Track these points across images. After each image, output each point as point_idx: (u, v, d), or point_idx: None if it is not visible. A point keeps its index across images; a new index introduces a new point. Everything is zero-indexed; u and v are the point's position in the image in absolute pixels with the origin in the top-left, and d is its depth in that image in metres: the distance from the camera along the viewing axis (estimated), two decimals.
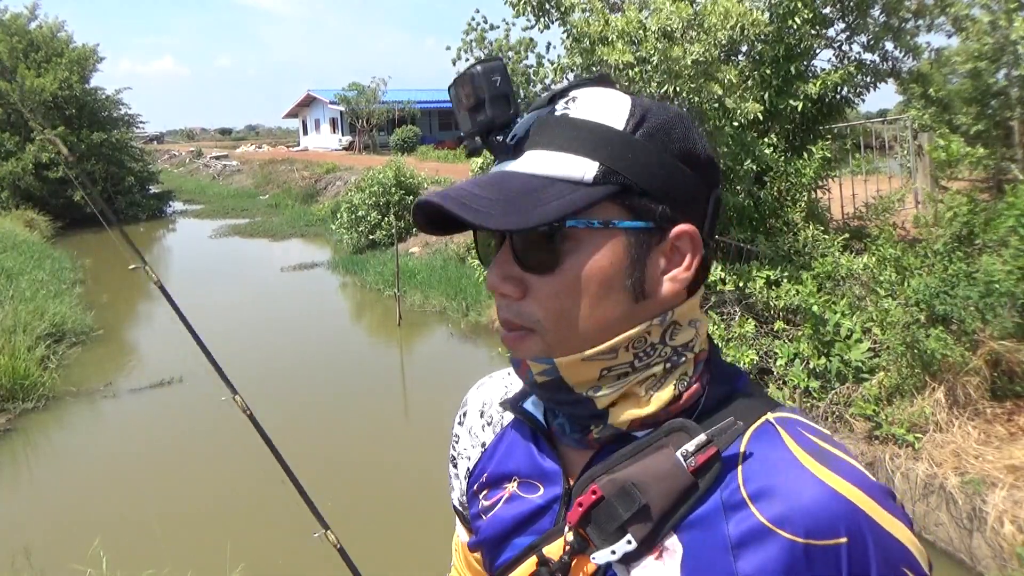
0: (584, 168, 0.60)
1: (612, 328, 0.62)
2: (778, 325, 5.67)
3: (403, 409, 7.46)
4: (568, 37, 6.45)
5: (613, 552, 0.61)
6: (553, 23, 7.00)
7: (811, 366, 5.18)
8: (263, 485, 5.46)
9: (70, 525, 4.96)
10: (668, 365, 0.64)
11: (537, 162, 0.62)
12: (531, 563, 0.67)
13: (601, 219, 0.61)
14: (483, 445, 0.79)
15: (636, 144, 0.61)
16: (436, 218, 0.64)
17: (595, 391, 0.63)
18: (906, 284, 4.98)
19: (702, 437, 0.60)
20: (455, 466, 0.84)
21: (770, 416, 0.62)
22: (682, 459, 0.60)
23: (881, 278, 5.35)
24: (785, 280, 5.86)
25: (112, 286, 13.20)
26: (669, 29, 5.59)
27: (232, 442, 6.38)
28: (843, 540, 0.55)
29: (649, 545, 0.60)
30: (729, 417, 0.61)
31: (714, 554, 0.59)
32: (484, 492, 0.76)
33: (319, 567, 4.42)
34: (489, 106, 0.62)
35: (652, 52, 5.55)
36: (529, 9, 7.03)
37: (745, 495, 0.58)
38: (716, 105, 5.85)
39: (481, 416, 0.81)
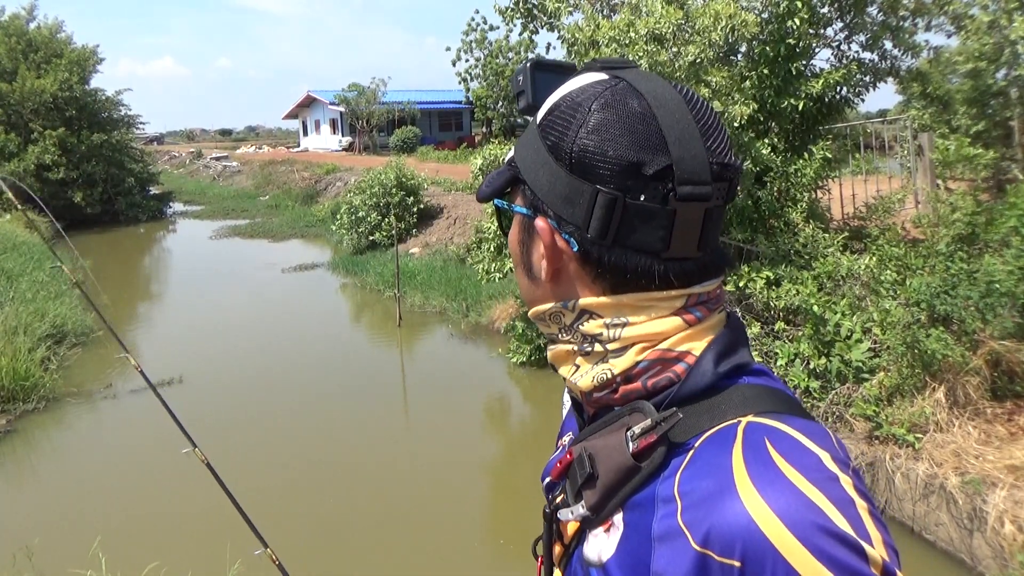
0: (510, 153, 0.71)
1: (530, 297, 0.72)
2: (778, 325, 5.68)
3: (403, 409, 7.46)
4: (562, 42, 6.49)
5: (571, 512, 0.66)
6: (541, 28, 7.06)
7: (811, 366, 5.18)
8: (262, 484, 5.47)
9: (70, 526, 4.96)
10: (577, 348, 0.68)
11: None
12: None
13: (508, 202, 0.72)
14: (567, 406, 0.89)
15: (534, 135, 0.67)
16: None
17: (551, 343, 0.72)
18: (907, 284, 4.98)
19: (648, 422, 0.60)
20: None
21: (748, 419, 0.59)
22: (628, 439, 0.61)
23: (882, 278, 5.35)
24: (785, 280, 5.86)
25: (112, 287, 13.20)
26: (658, 33, 5.61)
27: (232, 443, 6.38)
28: (735, 563, 0.52)
29: (598, 513, 0.63)
30: (674, 408, 0.61)
31: (641, 541, 0.59)
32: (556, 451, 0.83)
33: (319, 566, 4.42)
34: (517, 98, 0.73)
35: (641, 56, 5.57)
36: (517, 16, 7.08)
37: (676, 491, 0.57)
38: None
39: None
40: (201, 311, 11.31)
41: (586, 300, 0.66)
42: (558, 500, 0.69)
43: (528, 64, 0.72)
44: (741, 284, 5.97)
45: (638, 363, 0.64)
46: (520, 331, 7.72)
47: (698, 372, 0.63)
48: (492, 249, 7.97)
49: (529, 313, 0.74)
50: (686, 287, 0.64)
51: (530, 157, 0.67)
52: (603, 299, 0.65)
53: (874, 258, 5.65)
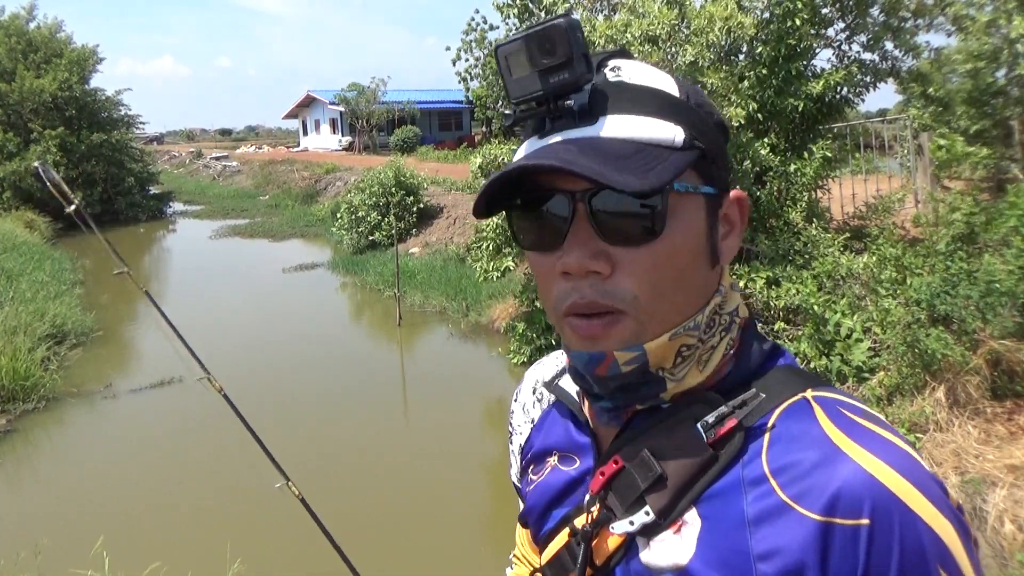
0: (673, 132, 0.58)
1: (693, 299, 0.61)
2: (778, 325, 5.68)
3: (403, 409, 7.46)
4: None
5: (631, 523, 0.61)
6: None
7: (812, 366, 5.18)
8: (262, 484, 5.47)
9: (72, 525, 4.96)
10: (723, 332, 0.63)
11: (624, 126, 0.58)
12: (565, 534, 0.68)
13: (691, 183, 0.60)
14: (533, 421, 0.81)
15: (696, 112, 0.61)
16: (501, 193, 0.61)
17: (671, 373, 0.62)
18: (907, 284, 4.98)
19: (723, 409, 0.59)
20: (511, 442, 0.85)
21: (809, 393, 0.59)
22: (702, 430, 0.59)
23: (882, 277, 5.35)
24: (785, 280, 5.86)
25: (112, 287, 13.20)
26: (651, 34, 5.63)
27: (232, 442, 6.39)
28: (864, 521, 0.51)
29: (667, 516, 0.60)
30: (754, 390, 0.60)
31: (730, 530, 0.57)
32: (532, 467, 0.78)
33: (318, 566, 4.42)
34: (577, 63, 0.57)
35: (636, 57, 5.60)
36: (514, 12, 7.10)
37: (767, 470, 0.56)
38: None
39: (533, 392, 0.84)
40: (201, 310, 11.30)
41: (725, 273, 0.66)
42: (594, 515, 0.63)
43: (571, 21, 0.58)
44: (741, 284, 5.98)
45: (740, 331, 0.65)
46: (520, 331, 7.71)
47: (748, 355, 0.64)
48: (491, 248, 7.96)
49: (663, 339, 0.60)
50: None
51: (704, 134, 0.61)
52: (726, 272, 0.67)
53: (874, 257, 5.65)
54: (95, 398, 7.37)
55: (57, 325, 8.94)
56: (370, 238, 14.04)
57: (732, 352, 0.64)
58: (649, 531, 0.61)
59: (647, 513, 0.60)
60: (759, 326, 0.74)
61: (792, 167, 6.63)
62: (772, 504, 0.55)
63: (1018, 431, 4.27)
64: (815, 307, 5.28)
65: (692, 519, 0.59)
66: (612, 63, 0.62)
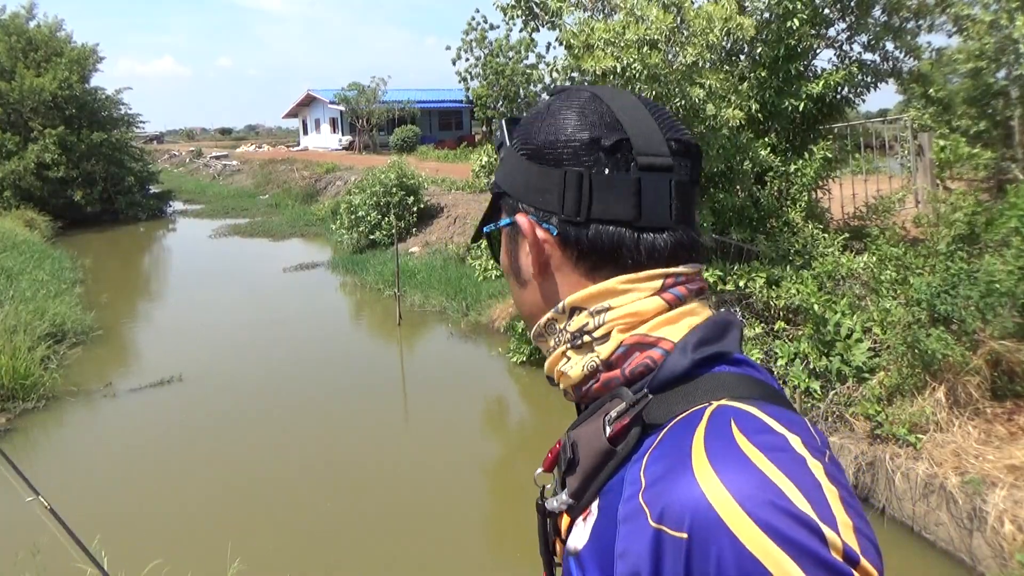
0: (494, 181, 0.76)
1: (526, 308, 0.75)
2: (778, 325, 5.68)
3: (403, 408, 7.46)
4: (560, 44, 6.52)
5: (556, 501, 0.68)
6: (543, 27, 7.07)
7: (812, 366, 5.18)
8: (262, 483, 5.47)
9: (70, 524, 4.95)
10: (567, 347, 0.69)
11: None
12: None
13: (494, 221, 0.76)
14: None
15: (509, 153, 0.73)
16: None
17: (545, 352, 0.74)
18: (907, 284, 4.98)
19: (622, 405, 0.62)
20: None
21: (720, 403, 0.58)
22: (605, 423, 0.63)
23: (882, 278, 5.35)
24: (785, 280, 5.86)
25: (112, 286, 13.20)
26: (648, 38, 5.63)
27: (231, 441, 6.39)
28: (683, 535, 0.51)
29: (580, 500, 0.65)
30: (645, 391, 0.62)
31: (609, 525, 0.59)
32: None
33: (318, 565, 4.42)
34: (500, 151, 0.77)
35: (634, 59, 5.58)
36: (518, 14, 7.10)
37: (642, 472, 0.57)
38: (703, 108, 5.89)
39: None
40: (201, 310, 11.30)
41: (574, 296, 0.68)
42: (542, 491, 0.72)
43: (504, 121, 0.78)
44: (741, 284, 5.97)
45: (619, 347, 0.66)
46: (520, 331, 7.72)
47: (674, 358, 0.63)
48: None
49: (531, 334, 0.76)
50: (663, 266, 0.67)
51: (507, 171, 0.73)
52: (587, 290, 0.68)
53: (874, 257, 5.65)
54: (95, 397, 7.37)
55: (57, 324, 8.94)
56: (370, 237, 14.03)
57: (616, 363, 0.66)
58: (573, 513, 0.66)
59: (565, 494, 0.66)
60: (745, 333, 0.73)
61: (792, 167, 6.63)
62: (634, 505, 0.56)
63: (1018, 431, 4.27)
64: (815, 307, 5.28)
65: (594, 509, 0.63)
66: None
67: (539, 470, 0.74)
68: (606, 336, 0.66)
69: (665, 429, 0.59)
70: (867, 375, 4.95)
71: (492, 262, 8.00)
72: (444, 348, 9.13)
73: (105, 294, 12.14)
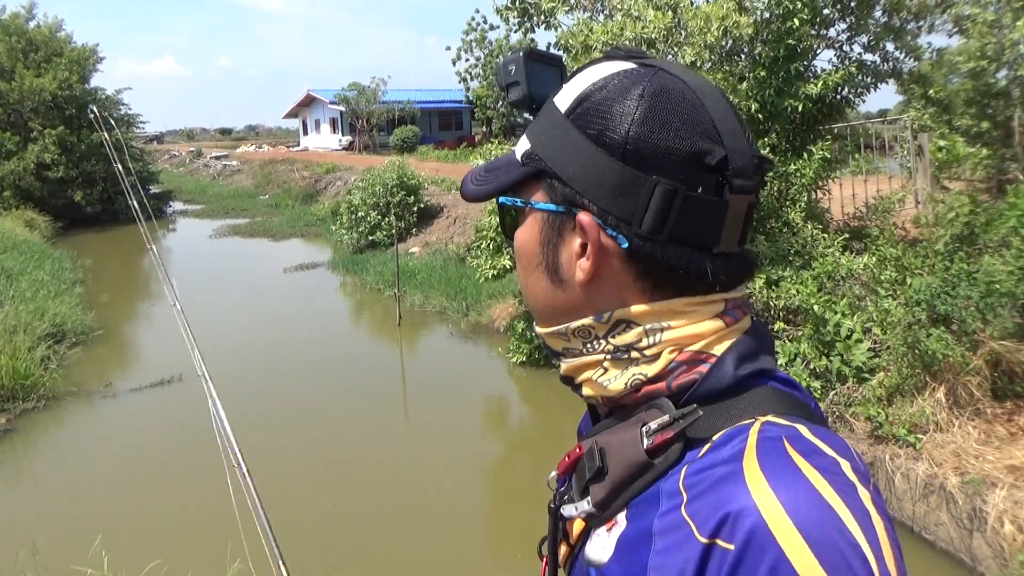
0: (521, 148, 0.67)
1: (545, 303, 0.68)
2: (778, 325, 5.67)
3: (403, 409, 7.46)
4: (557, 46, 6.53)
5: (576, 508, 0.64)
6: (538, 27, 7.09)
7: (812, 366, 5.18)
8: (262, 484, 5.46)
9: (71, 524, 4.96)
10: (610, 359, 0.64)
11: (520, 140, 0.69)
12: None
13: (524, 198, 0.66)
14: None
15: (562, 125, 0.63)
16: None
17: (559, 360, 0.69)
18: (907, 284, 4.98)
19: (665, 418, 0.59)
20: None
21: (767, 419, 0.57)
22: (643, 434, 0.60)
23: (881, 278, 5.35)
24: (785, 280, 5.86)
25: (112, 286, 13.19)
26: (645, 37, 5.63)
27: (231, 441, 6.38)
28: (730, 547, 0.49)
29: (604, 509, 0.62)
30: (695, 405, 0.59)
31: (640, 539, 0.57)
32: None
33: (319, 566, 4.42)
34: (508, 90, 0.71)
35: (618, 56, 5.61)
36: (513, 15, 7.11)
37: (681, 484, 0.55)
38: None
39: None
40: (200, 310, 11.30)
41: (627, 310, 0.63)
42: (564, 496, 0.67)
43: (522, 53, 0.70)
44: None
45: (669, 364, 0.62)
46: (520, 331, 7.72)
47: (719, 371, 0.61)
48: (490, 247, 7.97)
49: (542, 330, 0.69)
50: (726, 290, 0.63)
51: (561, 149, 0.62)
52: (645, 307, 0.62)
53: (874, 258, 5.64)
54: (95, 397, 7.37)
55: (57, 324, 8.94)
56: (370, 238, 14.04)
57: (662, 379, 0.62)
58: (593, 522, 0.63)
59: (588, 503, 0.63)
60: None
61: (792, 168, 6.63)
62: (674, 518, 0.54)
63: (1018, 432, 4.27)
64: (815, 307, 5.28)
65: (621, 520, 0.60)
66: (578, 73, 0.67)
67: (553, 473, 0.70)
68: (657, 356, 0.62)
69: (709, 443, 0.57)
70: (867, 375, 4.95)
71: (492, 262, 7.98)
72: (444, 348, 9.13)
73: (105, 294, 12.13)
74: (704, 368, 0.61)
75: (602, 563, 0.60)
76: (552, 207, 0.64)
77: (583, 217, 0.61)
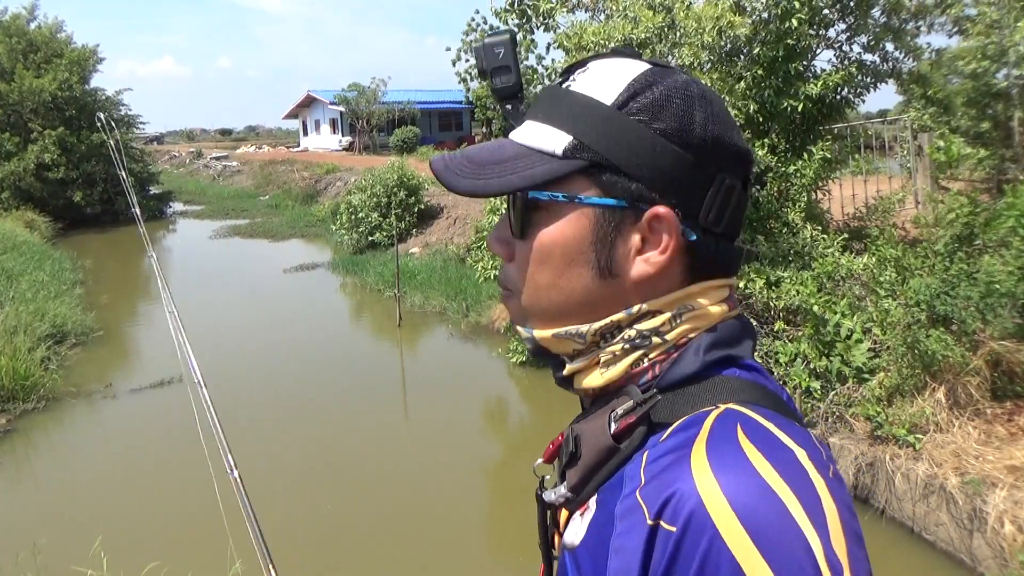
0: (557, 141, 0.62)
1: (577, 300, 0.64)
2: (778, 325, 5.67)
3: (403, 409, 7.46)
4: (556, 45, 6.55)
5: (553, 493, 0.66)
6: (537, 28, 7.10)
7: (812, 367, 5.18)
8: (262, 484, 5.46)
9: (71, 525, 4.96)
10: (627, 346, 0.64)
11: (526, 132, 0.65)
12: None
13: (568, 192, 0.62)
14: None
15: (618, 119, 0.61)
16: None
17: (569, 360, 0.67)
18: (907, 284, 4.98)
19: (629, 403, 0.61)
20: None
21: (728, 406, 0.57)
22: (611, 420, 0.61)
23: (881, 278, 5.35)
24: (785, 281, 5.86)
25: (112, 287, 13.20)
26: (638, 38, 5.64)
27: (232, 441, 6.38)
28: (673, 529, 0.51)
29: (578, 493, 0.64)
30: (655, 390, 0.61)
31: (607, 521, 0.58)
32: None
33: (319, 566, 4.42)
34: (493, 76, 0.69)
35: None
36: (512, 16, 7.12)
37: (642, 470, 0.57)
38: None
39: None
40: (200, 310, 11.31)
41: (662, 299, 0.63)
42: (541, 482, 0.71)
43: (511, 35, 0.69)
44: (741, 285, 5.97)
45: (670, 350, 0.64)
46: None
47: (685, 358, 0.62)
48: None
49: (545, 332, 0.66)
50: (728, 277, 0.67)
51: (621, 143, 0.61)
52: (677, 294, 0.64)
53: (874, 258, 5.64)
54: (95, 398, 7.37)
55: (57, 325, 8.95)
56: (370, 238, 14.04)
57: (657, 363, 0.63)
58: (571, 506, 0.65)
59: (564, 487, 0.65)
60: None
61: (791, 168, 6.63)
62: (631, 502, 0.56)
63: (1018, 432, 4.27)
64: (815, 308, 5.28)
65: (592, 505, 0.62)
66: (587, 66, 0.65)
67: (539, 460, 0.73)
68: (674, 338, 0.64)
69: (670, 429, 0.58)
70: (867, 376, 4.95)
71: (492, 263, 7.99)
72: (444, 349, 9.13)
73: (105, 295, 12.14)
74: (675, 354, 0.63)
75: (575, 546, 0.63)
76: (611, 202, 0.62)
77: (662, 211, 0.61)
